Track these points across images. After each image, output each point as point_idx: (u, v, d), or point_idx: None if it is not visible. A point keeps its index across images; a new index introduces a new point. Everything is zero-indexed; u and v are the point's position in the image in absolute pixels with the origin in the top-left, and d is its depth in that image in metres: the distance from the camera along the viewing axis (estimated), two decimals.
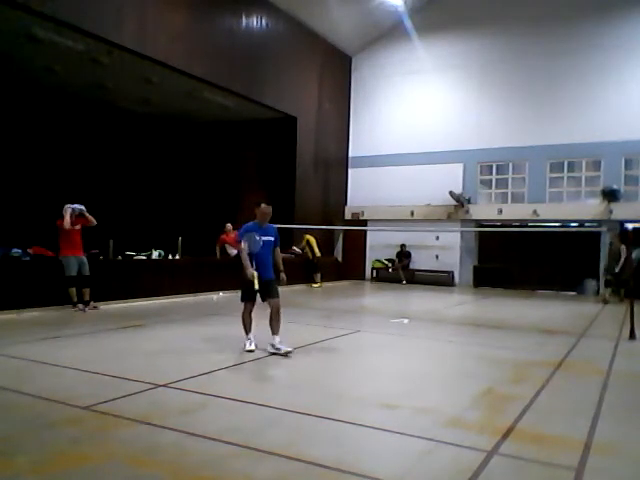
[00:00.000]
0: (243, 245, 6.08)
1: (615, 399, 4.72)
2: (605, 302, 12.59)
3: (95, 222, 9.40)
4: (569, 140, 15.85)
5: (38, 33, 10.26)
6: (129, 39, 11.12)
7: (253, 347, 6.12)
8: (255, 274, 5.96)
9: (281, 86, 15.86)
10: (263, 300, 6.14)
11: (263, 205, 6.22)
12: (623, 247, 12.49)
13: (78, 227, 9.27)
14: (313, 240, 16.05)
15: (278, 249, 6.47)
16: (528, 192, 16.74)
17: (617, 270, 12.54)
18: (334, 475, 3.03)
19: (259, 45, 14.91)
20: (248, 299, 6.16)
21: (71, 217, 9.12)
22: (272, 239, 6.25)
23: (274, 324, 6.11)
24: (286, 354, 5.89)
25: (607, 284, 13.02)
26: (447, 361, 6.45)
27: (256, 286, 5.94)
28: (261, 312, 6.32)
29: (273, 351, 5.98)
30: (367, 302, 13.63)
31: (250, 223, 6.28)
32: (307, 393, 4.65)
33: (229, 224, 13.91)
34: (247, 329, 6.22)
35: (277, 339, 6.04)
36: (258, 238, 6.06)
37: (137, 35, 11.32)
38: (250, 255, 6.09)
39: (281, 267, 6.48)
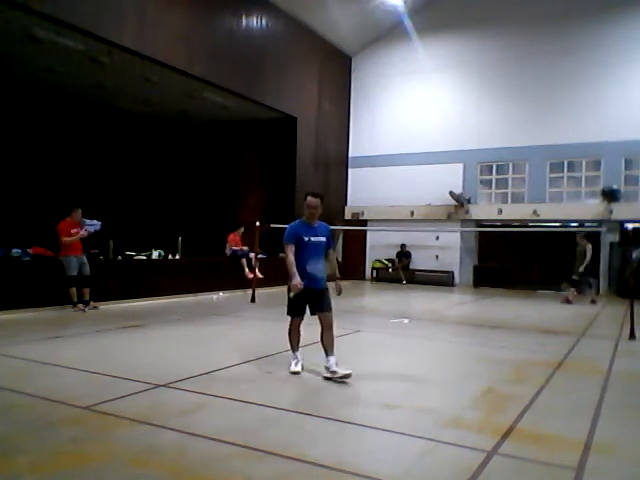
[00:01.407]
0: (288, 251, 5.11)
1: (615, 399, 4.72)
2: (569, 302, 12.48)
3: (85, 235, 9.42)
4: (569, 140, 15.85)
5: (38, 33, 10.25)
6: (129, 39, 11.12)
7: (299, 369, 5.21)
8: (300, 288, 4.98)
9: (281, 86, 15.86)
10: (312, 313, 5.18)
11: (309, 198, 5.19)
12: (589, 247, 12.40)
13: (77, 229, 9.27)
14: None
15: (333, 251, 5.48)
16: (528, 192, 16.75)
17: (581, 270, 12.37)
18: (334, 475, 3.03)
19: (259, 45, 14.90)
20: (295, 313, 5.23)
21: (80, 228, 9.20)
22: (323, 240, 5.23)
23: (327, 343, 5.12)
24: (343, 378, 4.91)
25: (573, 284, 12.76)
26: (447, 361, 6.45)
27: (290, 295, 5.12)
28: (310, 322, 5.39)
29: (328, 376, 5.00)
30: (367, 302, 13.62)
31: (296, 222, 5.31)
32: (307, 393, 4.65)
33: (242, 227, 13.92)
34: (294, 346, 5.35)
35: (332, 360, 5.03)
36: (307, 239, 5.13)
37: (137, 35, 11.32)
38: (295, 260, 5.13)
39: (338, 273, 5.47)
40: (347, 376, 4.92)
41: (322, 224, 5.35)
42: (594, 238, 15.38)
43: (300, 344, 5.41)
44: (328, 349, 5.09)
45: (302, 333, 5.36)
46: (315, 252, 5.17)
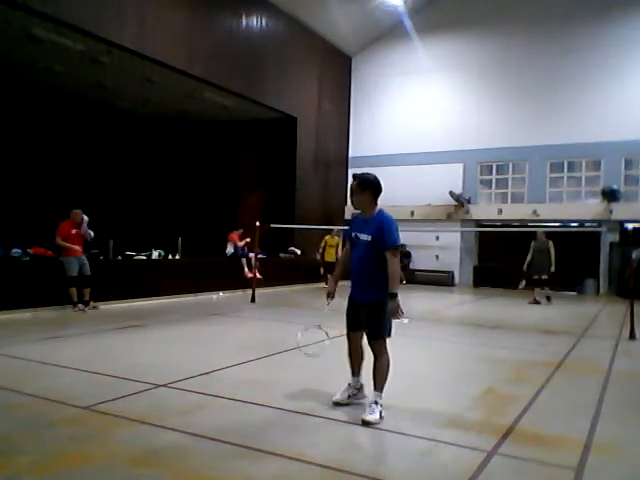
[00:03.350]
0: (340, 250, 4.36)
1: (615, 399, 4.72)
2: (536, 302, 12.32)
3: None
4: (569, 140, 15.86)
5: (38, 33, 10.26)
6: (129, 39, 11.13)
7: (338, 398, 4.21)
8: (330, 295, 4.28)
9: (281, 86, 15.86)
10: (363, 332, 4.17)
11: (352, 183, 4.16)
12: (550, 243, 12.12)
13: (76, 231, 9.28)
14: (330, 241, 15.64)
15: (390, 254, 3.92)
16: (528, 192, 16.75)
17: (553, 269, 11.99)
18: (334, 475, 3.03)
19: (259, 45, 14.91)
20: (347, 325, 4.27)
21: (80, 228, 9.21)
22: (368, 239, 4.01)
23: (374, 374, 4.09)
24: (365, 423, 3.83)
25: (535, 283, 12.48)
26: (447, 361, 6.45)
27: (325, 309, 4.24)
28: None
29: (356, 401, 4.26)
30: None
31: (355, 215, 4.36)
32: (307, 393, 4.64)
33: (241, 229, 13.85)
34: (352, 367, 4.31)
35: (372, 397, 4.02)
36: (354, 235, 4.14)
37: (137, 35, 11.33)
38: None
39: (395, 286, 3.88)
40: (366, 422, 3.82)
41: (376, 217, 4.06)
42: (594, 238, 15.44)
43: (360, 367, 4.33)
44: (375, 381, 4.07)
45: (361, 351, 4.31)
46: (359, 253, 4.07)
